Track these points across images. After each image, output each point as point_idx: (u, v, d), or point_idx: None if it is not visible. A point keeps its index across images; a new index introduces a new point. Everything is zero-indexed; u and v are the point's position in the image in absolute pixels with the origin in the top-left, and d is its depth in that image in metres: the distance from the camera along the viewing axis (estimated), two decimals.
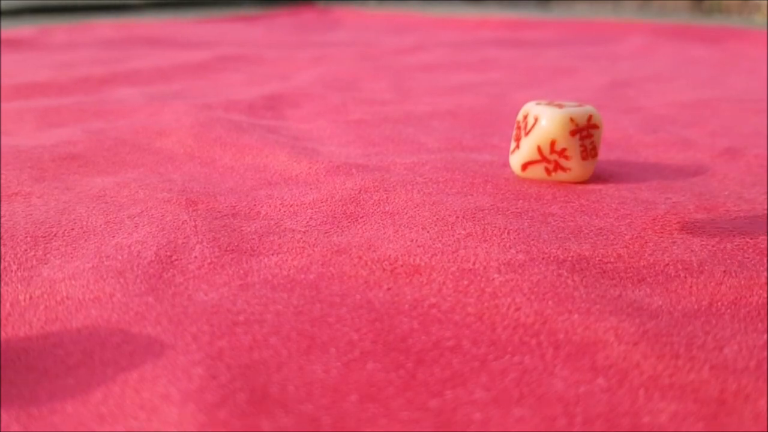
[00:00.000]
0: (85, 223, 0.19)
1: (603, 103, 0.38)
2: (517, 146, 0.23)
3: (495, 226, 0.19)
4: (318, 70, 0.48)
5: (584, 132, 0.22)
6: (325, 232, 0.18)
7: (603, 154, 0.27)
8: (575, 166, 0.22)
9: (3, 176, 0.23)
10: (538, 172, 0.23)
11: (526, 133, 0.23)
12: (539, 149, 0.22)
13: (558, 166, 0.23)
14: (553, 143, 0.22)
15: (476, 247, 0.17)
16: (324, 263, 0.17)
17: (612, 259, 0.17)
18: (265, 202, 0.21)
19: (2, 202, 0.21)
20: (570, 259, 0.17)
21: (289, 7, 1.10)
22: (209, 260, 0.17)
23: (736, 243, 0.18)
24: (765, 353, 0.13)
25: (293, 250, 0.17)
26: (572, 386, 0.12)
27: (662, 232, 0.19)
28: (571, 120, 0.22)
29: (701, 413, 0.11)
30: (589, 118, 0.22)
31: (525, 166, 0.23)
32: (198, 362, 0.13)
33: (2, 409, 0.12)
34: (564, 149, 0.22)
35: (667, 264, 0.17)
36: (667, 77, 0.49)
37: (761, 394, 0.12)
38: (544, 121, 0.22)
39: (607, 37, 0.76)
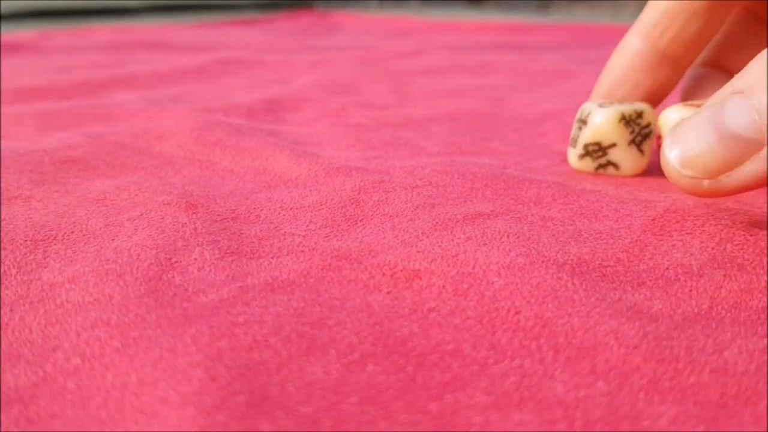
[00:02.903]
0: (84, 226, 0.19)
1: None
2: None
3: (494, 230, 0.19)
4: (318, 74, 0.48)
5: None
6: (325, 236, 0.18)
7: None
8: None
9: (3, 180, 0.23)
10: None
11: None
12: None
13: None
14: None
15: (476, 251, 0.17)
16: (324, 267, 0.17)
17: (612, 263, 0.17)
18: (265, 206, 0.21)
19: (2, 206, 0.21)
20: (570, 262, 0.17)
21: (289, 11, 1.10)
22: (209, 262, 0.17)
23: (735, 245, 0.18)
24: (765, 356, 0.13)
25: (293, 254, 0.17)
26: (572, 390, 0.12)
27: (662, 234, 0.19)
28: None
29: (701, 416, 0.11)
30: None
31: None
32: (197, 364, 0.13)
33: (2, 413, 0.12)
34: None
35: (667, 268, 0.17)
36: None
37: (761, 396, 0.12)
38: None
39: (607, 41, 0.76)
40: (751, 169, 0.17)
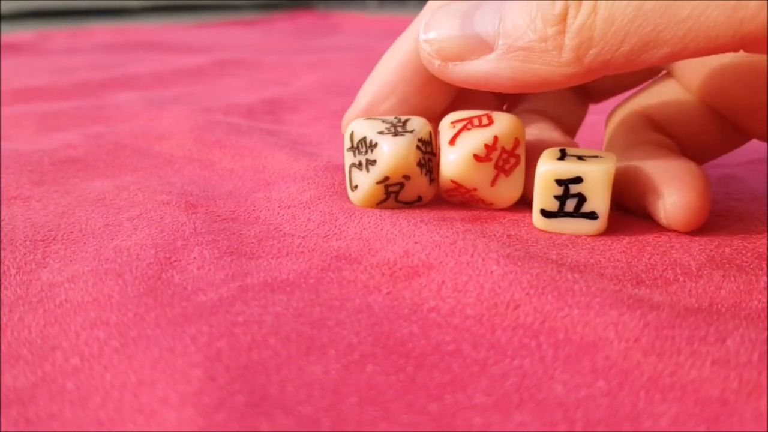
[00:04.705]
0: (84, 226, 0.19)
1: (601, 106, 0.38)
2: None
3: (493, 230, 0.19)
4: (317, 75, 0.48)
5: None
6: (324, 235, 0.18)
7: None
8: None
9: (3, 180, 0.23)
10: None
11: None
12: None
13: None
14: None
15: (475, 240, 0.17)
16: (323, 268, 0.17)
17: (610, 264, 0.17)
18: (264, 205, 0.21)
19: (2, 206, 0.21)
20: (568, 263, 0.17)
21: (288, 12, 1.10)
22: (208, 261, 0.17)
23: (734, 247, 0.18)
24: (767, 346, 0.13)
25: (292, 255, 0.17)
26: (572, 390, 0.12)
27: (660, 236, 0.19)
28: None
29: (702, 415, 0.11)
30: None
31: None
32: (197, 364, 0.13)
33: (1, 414, 0.12)
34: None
35: (666, 268, 0.17)
36: None
37: (762, 391, 0.12)
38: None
39: None
40: (475, 66, 0.17)
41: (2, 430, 0.11)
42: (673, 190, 0.18)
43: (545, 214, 0.18)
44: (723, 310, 0.15)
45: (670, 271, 0.16)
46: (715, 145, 0.22)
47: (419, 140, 0.19)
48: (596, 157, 0.18)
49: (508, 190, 0.19)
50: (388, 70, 0.20)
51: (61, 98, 0.39)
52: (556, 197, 0.18)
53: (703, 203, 0.18)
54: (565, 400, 0.12)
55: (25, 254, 0.18)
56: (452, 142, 0.19)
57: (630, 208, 0.20)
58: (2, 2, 0.94)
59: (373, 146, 0.19)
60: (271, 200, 0.21)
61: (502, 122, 0.19)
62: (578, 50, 0.16)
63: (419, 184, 0.19)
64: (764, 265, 0.17)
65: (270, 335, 0.14)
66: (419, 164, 0.19)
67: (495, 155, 0.19)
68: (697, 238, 0.18)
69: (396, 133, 0.19)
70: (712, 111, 0.21)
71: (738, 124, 0.21)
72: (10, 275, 0.17)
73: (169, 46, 0.65)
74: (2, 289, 0.16)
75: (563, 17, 0.16)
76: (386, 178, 0.19)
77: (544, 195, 0.18)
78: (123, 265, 0.17)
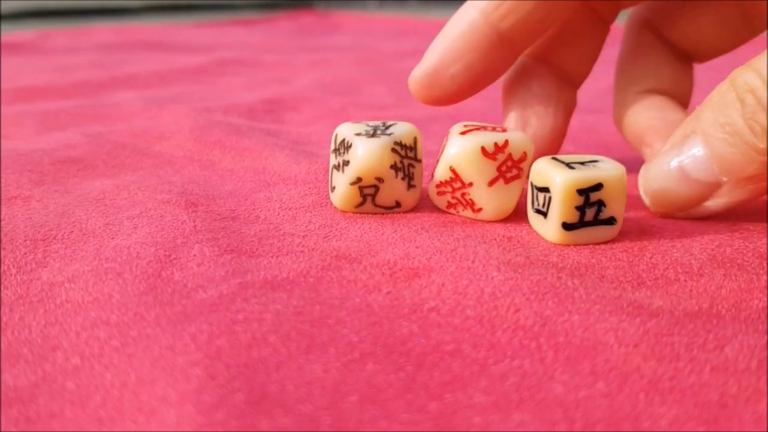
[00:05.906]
0: (84, 225, 0.19)
1: (602, 107, 0.38)
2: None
3: (493, 233, 0.19)
4: (317, 74, 0.48)
5: None
6: (325, 236, 0.18)
7: None
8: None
9: (3, 180, 0.23)
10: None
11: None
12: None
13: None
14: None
15: (475, 247, 0.17)
16: (323, 267, 0.17)
17: (611, 264, 0.17)
18: (264, 205, 0.21)
19: (2, 206, 0.21)
20: (569, 266, 0.17)
21: (289, 11, 1.10)
22: (208, 258, 0.17)
23: (735, 247, 0.18)
24: (766, 353, 0.13)
25: (292, 254, 0.17)
26: (572, 391, 0.12)
27: (661, 236, 0.19)
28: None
29: (702, 417, 0.11)
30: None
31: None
32: (196, 362, 0.13)
33: (2, 413, 0.12)
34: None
35: (667, 267, 0.17)
36: None
37: (762, 395, 0.12)
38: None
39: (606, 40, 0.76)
40: (717, 203, 0.19)
41: (3, 429, 0.11)
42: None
43: (567, 226, 0.18)
44: (723, 312, 0.15)
45: (671, 271, 0.16)
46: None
47: (397, 143, 0.19)
48: (593, 161, 0.18)
49: (502, 199, 0.19)
50: (453, 38, 0.21)
51: (61, 97, 0.39)
52: (577, 207, 0.18)
53: None
54: (565, 399, 0.12)
55: (25, 254, 0.18)
56: (463, 134, 0.19)
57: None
58: (2, 1, 0.94)
59: (348, 147, 0.19)
60: (271, 201, 0.21)
61: (515, 134, 0.19)
62: None
63: (395, 188, 0.19)
64: (765, 265, 0.17)
65: (270, 333, 0.14)
66: (393, 167, 0.19)
67: (501, 158, 0.19)
68: (698, 238, 0.18)
69: (373, 135, 0.19)
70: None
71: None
72: (11, 275, 0.17)
73: (169, 45, 0.65)
74: (3, 288, 0.16)
75: None
76: (359, 179, 0.19)
77: (566, 207, 0.18)
78: (123, 264, 0.17)
